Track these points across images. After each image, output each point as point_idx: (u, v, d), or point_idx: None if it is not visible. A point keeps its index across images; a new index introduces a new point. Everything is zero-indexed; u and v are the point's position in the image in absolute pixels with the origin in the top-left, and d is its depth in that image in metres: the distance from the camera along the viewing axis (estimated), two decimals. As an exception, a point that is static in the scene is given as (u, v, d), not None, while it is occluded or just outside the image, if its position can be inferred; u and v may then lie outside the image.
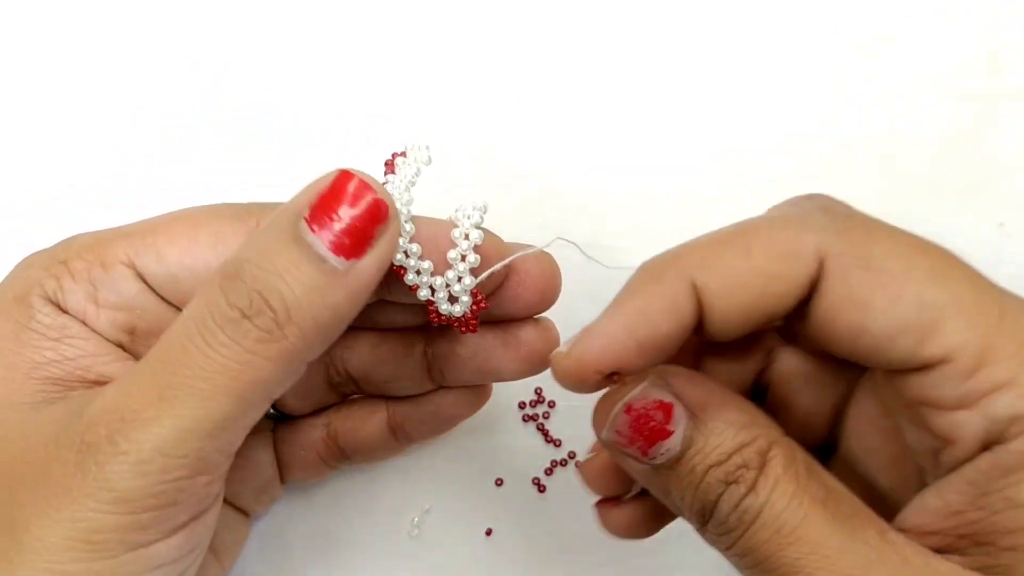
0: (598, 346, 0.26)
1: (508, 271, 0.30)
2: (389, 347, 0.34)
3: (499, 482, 0.40)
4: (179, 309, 0.29)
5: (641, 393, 0.26)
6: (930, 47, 0.43)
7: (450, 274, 0.29)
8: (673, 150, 0.43)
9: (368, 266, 0.26)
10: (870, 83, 0.43)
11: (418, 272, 0.29)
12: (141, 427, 0.25)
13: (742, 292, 0.26)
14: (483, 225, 0.30)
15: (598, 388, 0.28)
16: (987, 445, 0.25)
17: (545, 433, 0.41)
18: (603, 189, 0.43)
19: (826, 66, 0.44)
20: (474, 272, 0.29)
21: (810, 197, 0.28)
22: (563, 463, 0.40)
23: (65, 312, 0.29)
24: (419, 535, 0.40)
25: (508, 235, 0.32)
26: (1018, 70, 0.43)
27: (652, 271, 0.27)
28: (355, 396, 0.36)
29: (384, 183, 0.29)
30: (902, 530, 0.26)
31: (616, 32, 0.45)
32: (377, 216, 0.26)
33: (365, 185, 0.26)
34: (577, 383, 0.27)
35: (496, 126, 0.44)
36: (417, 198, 0.30)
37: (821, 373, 0.30)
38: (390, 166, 0.30)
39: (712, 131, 0.43)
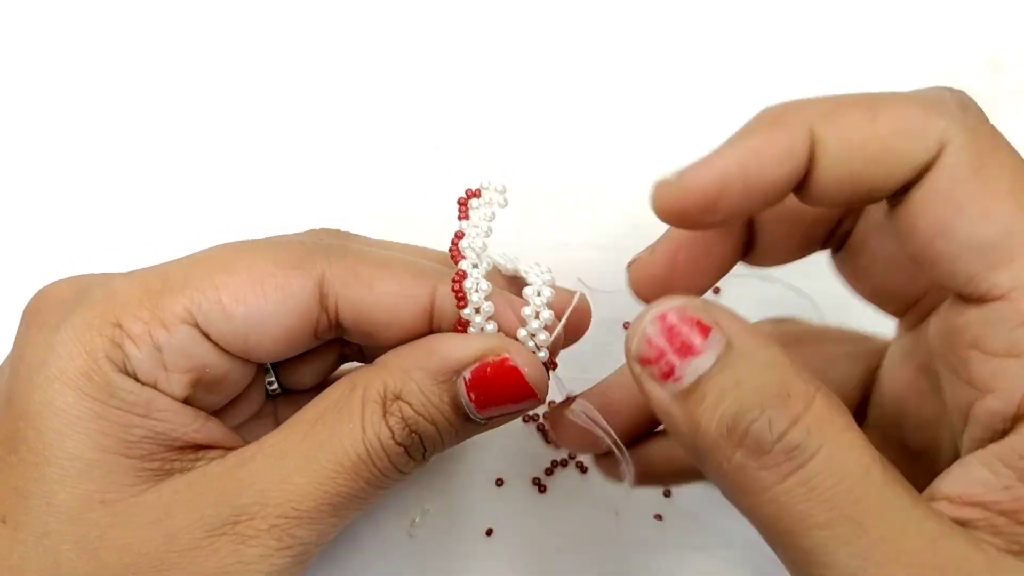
0: (708, 176, 0.25)
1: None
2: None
3: (499, 482, 0.40)
4: (243, 359, 0.30)
5: (680, 305, 0.25)
6: (931, 47, 0.43)
7: (522, 333, 0.30)
8: (672, 151, 0.43)
9: (498, 420, 0.30)
10: (871, 83, 0.43)
11: (481, 330, 0.30)
12: (306, 526, 0.28)
13: (857, 154, 0.24)
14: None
15: (694, 226, 0.27)
16: None
17: (545, 433, 0.40)
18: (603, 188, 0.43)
19: (827, 66, 0.43)
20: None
21: (951, 89, 0.26)
22: (563, 463, 0.40)
23: (144, 384, 0.28)
24: (419, 535, 0.40)
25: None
26: (1019, 70, 0.43)
27: (773, 116, 0.25)
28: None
29: (460, 234, 0.30)
30: (937, 497, 0.24)
31: (612, 32, 0.45)
32: (527, 405, 0.29)
33: (527, 387, 0.29)
34: (677, 214, 0.26)
35: (502, 123, 0.44)
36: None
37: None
38: (464, 210, 0.30)
39: (712, 131, 0.43)
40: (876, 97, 0.25)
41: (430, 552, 0.39)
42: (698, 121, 0.43)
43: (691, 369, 0.24)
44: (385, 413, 0.28)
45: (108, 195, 0.43)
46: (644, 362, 0.25)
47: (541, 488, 0.40)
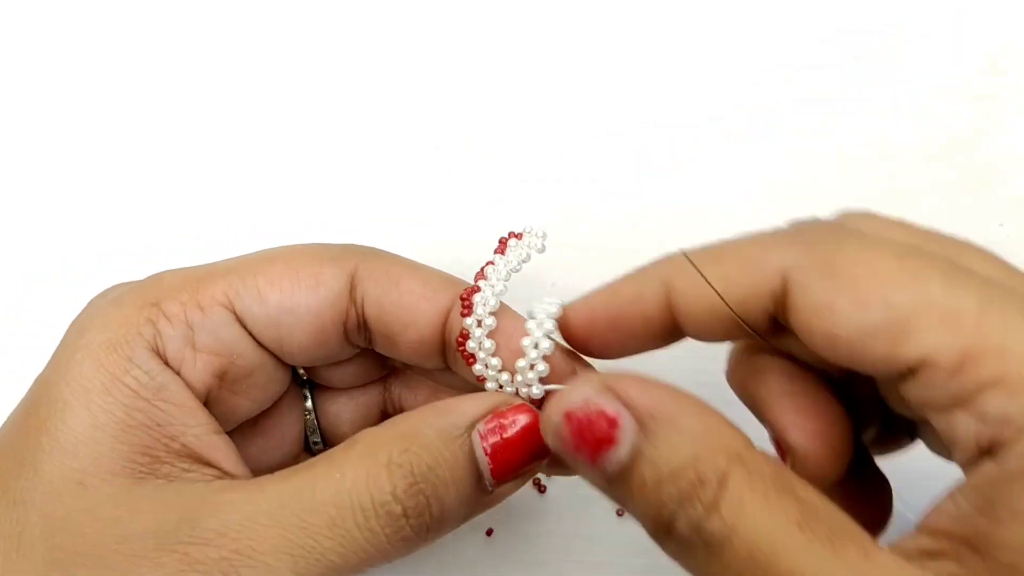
0: (581, 311, 0.29)
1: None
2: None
3: (499, 482, 0.40)
4: (272, 354, 0.30)
5: (583, 400, 0.25)
6: (932, 47, 0.43)
7: (520, 363, 0.30)
8: (672, 151, 0.43)
9: (509, 489, 0.29)
10: (872, 83, 0.43)
11: (486, 365, 0.30)
12: (260, 571, 0.25)
13: (708, 295, 0.27)
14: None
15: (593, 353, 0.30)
16: (990, 448, 0.23)
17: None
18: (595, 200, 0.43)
19: (828, 66, 0.44)
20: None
21: (796, 220, 0.29)
22: (563, 463, 0.40)
23: (168, 365, 0.28)
24: (419, 535, 0.40)
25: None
26: (1019, 71, 0.43)
27: (633, 271, 0.29)
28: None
29: (488, 263, 0.30)
30: (919, 528, 0.24)
31: (612, 32, 0.45)
32: (540, 459, 0.28)
33: (539, 437, 0.27)
34: (579, 341, 0.30)
35: (503, 126, 0.44)
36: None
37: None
38: (503, 247, 0.31)
39: (712, 130, 0.43)
40: (723, 244, 0.28)
41: (430, 552, 0.39)
42: (698, 120, 0.43)
43: (612, 460, 0.24)
44: (392, 465, 0.26)
45: (107, 195, 0.43)
46: (566, 451, 0.25)
47: (541, 488, 0.40)
